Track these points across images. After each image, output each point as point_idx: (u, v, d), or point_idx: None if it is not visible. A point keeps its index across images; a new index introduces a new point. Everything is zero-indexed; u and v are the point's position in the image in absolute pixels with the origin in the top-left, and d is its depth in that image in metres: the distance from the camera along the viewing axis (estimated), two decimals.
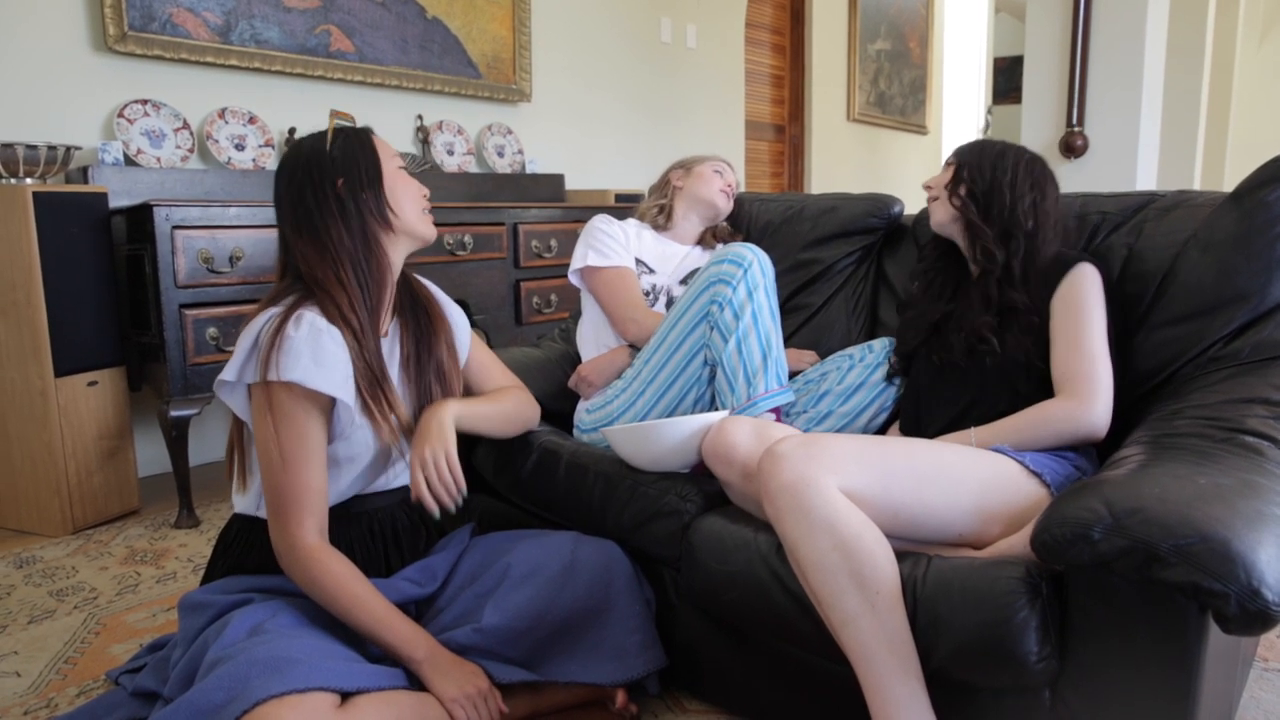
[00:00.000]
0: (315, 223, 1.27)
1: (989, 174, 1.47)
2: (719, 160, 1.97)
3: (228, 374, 1.21)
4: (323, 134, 1.32)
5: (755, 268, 1.52)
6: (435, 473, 1.25)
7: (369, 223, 1.29)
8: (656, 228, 1.93)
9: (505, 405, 1.49)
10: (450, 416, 1.32)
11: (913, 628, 1.07)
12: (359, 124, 1.36)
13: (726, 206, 1.94)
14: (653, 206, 1.95)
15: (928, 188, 1.56)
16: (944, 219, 1.52)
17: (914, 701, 1.06)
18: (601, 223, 1.84)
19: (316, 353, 1.19)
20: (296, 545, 1.19)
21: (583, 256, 1.80)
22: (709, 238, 1.98)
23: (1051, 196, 1.47)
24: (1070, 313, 1.36)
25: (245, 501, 1.32)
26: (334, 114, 1.36)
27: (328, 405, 1.23)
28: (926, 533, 1.20)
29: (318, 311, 1.23)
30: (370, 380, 1.25)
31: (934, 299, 1.55)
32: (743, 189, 1.99)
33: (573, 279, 1.84)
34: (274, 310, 1.23)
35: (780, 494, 1.14)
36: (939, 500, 1.18)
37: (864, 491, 1.14)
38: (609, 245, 1.80)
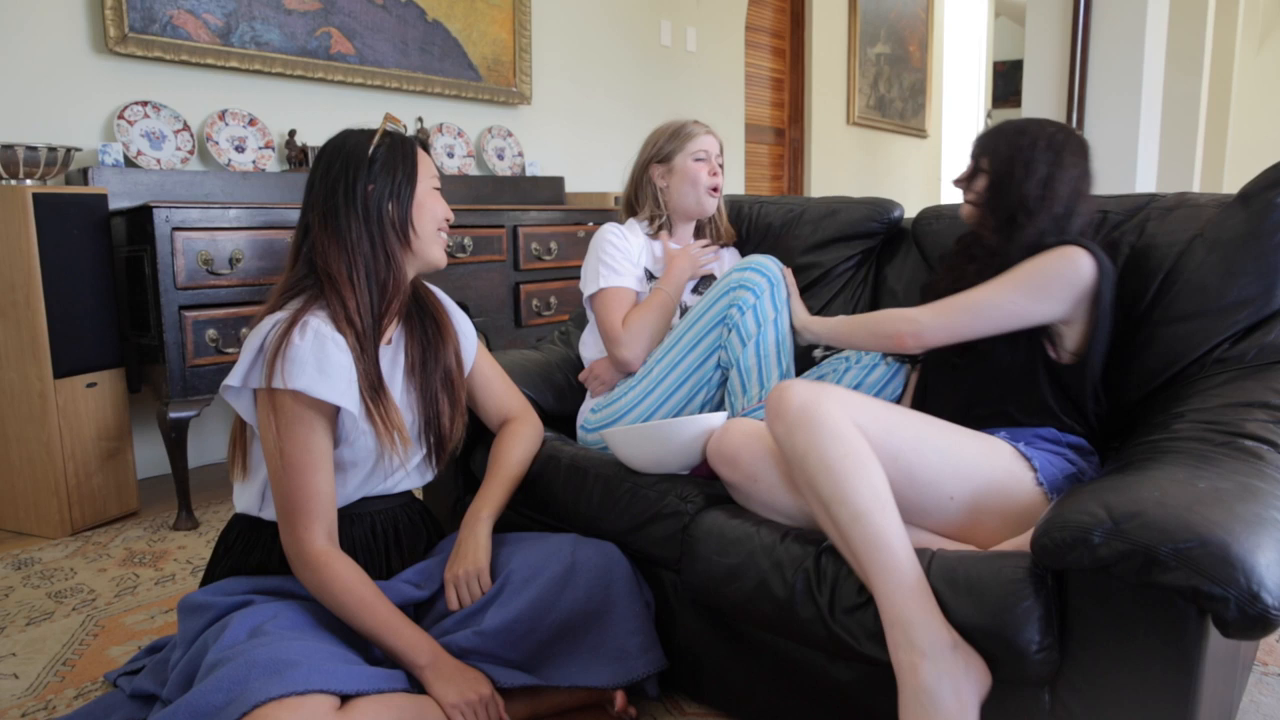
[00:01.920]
0: (340, 219, 1.27)
1: (1006, 153, 1.40)
2: (698, 136, 1.80)
3: (233, 379, 1.21)
4: (371, 132, 1.32)
5: (781, 283, 1.56)
6: (466, 590, 1.31)
7: (388, 234, 1.29)
8: (660, 238, 1.90)
9: (519, 467, 1.50)
10: (486, 532, 1.38)
11: None
12: (364, 127, 1.35)
13: (712, 207, 1.85)
14: (651, 220, 1.90)
15: (957, 183, 1.49)
16: (966, 214, 1.47)
17: (923, 587, 1.06)
18: (612, 234, 1.79)
19: (321, 361, 1.19)
20: (305, 550, 1.20)
21: (594, 277, 1.76)
22: (710, 239, 1.95)
23: (1070, 170, 1.36)
24: (1005, 273, 1.33)
25: (246, 499, 1.32)
26: (388, 117, 1.34)
27: (332, 413, 1.23)
28: (920, 486, 1.21)
29: (324, 317, 1.23)
30: (370, 386, 1.26)
31: (948, 287, 1.44)
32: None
33: (587, 306, 1.81)
34: (280, 315, 1.23)
35: (789, 412, 1.19)
36: (935, 459, 1.21)
37: (868, 430, 1.18)
38: (620, 262, 1.76)
